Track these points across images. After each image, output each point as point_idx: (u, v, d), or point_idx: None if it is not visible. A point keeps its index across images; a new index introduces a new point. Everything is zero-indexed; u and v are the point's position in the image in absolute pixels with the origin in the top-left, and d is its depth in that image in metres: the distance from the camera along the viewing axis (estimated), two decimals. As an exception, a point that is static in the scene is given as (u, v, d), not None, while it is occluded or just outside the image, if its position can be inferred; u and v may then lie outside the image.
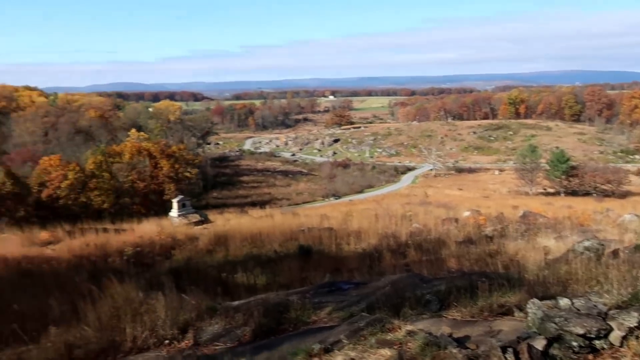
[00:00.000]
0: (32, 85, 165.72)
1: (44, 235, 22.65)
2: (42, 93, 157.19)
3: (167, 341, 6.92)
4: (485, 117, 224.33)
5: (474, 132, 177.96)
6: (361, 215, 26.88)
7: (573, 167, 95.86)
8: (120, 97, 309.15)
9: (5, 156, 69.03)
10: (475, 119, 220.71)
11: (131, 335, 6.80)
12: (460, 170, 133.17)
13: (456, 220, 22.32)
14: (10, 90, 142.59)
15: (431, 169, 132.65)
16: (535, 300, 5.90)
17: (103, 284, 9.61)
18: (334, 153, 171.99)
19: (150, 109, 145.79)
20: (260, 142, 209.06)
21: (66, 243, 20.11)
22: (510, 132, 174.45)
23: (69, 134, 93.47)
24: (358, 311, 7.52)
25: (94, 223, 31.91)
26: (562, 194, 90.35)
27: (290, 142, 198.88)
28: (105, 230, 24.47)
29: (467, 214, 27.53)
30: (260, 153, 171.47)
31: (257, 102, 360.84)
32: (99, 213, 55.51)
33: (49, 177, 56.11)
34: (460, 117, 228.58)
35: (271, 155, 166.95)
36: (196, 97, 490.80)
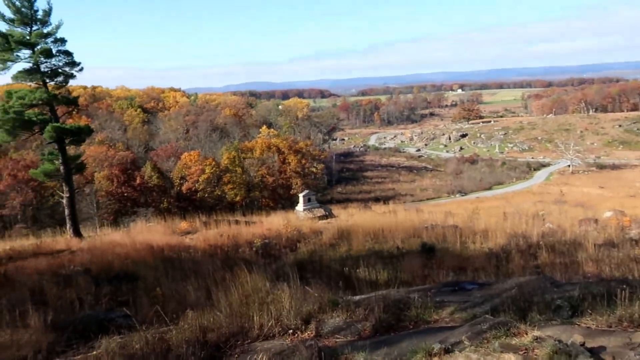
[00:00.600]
0: (176, 87, 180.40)
1: (183, 225, 24.54)
2: (184, 94, 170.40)
3: (290, 331, 7.22)
4: (634, 109, 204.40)
5: (620, 125, 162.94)
6: (488, 214, 25.88)
7: None
8: (253, 96, 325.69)
9: (152, 152, 75.66)
10: (622, 111, 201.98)
11: (258, 323, 7.19)
12: (602, 167, 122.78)
13: (595, 221, 20.67)
14: (158, 92, 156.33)
15: (568, 165, 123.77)
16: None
17: (234, 272, 10.25)
18: (461, 148, 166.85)
19: (280, 107, 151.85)
20: (385, 138, 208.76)
21: (202, 233, 21.64)
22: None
23: (207, 131, 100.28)
24: (482, 313, 7.29)
25: (226, 215, 33.96)
26: None
27: (415, 138, 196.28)
28: (236, 222, 25.94)
29: (608, 214, 25.38)
30: (385, 148, 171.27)
31: (383, 98, 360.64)
32: (231, 205, 59.01)
33: (189, 172, 60.65)
34: (604, 110, 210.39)
35: (396, 150, 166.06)
36: (323, 94, 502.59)
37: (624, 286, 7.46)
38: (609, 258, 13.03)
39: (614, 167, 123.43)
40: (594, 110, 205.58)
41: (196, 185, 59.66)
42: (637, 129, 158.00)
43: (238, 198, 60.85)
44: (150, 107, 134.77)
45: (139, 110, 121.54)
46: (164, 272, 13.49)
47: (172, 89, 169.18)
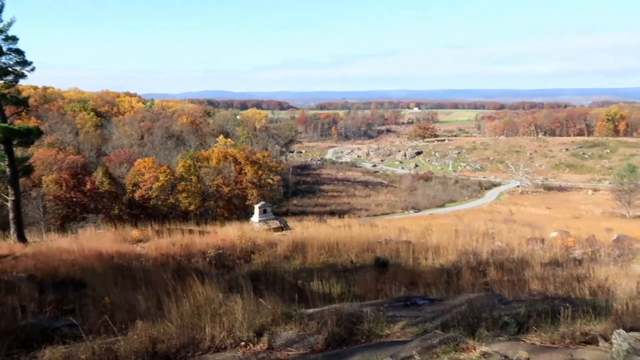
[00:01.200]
0: (132, 91, 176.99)
1: (135, 233, 24.00)
2: (140, 99, 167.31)
3: (243, 343, 7.16)
4: (580, 134, 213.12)
5: (567, 149, 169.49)
6: (441, 230, 26.38)
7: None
8: (211, 105, 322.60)
9: (105, 157, 73.87)
10: (569, 136, 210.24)
11: (210, 335, 7.10)
12: (549, 188, 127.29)
13: (542, 240, 21.37)
14: (113, 96, 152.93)
15: (518, 186, 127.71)
16: (622, 331, 5.57)
17: (186, 282, 10.09)
18: (416, 165, 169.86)
19: (238, 117, 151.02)
20: (342, 152, 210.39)
21: (154, 242, 21.21)
22: (607, 150, 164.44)
23: (162, 138, 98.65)
24: (432, 328, 7.43)
25: (180, 224, 33.42)
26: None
27: (371, 153, 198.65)
28: (190, 231, 25.56)
29: (554, 234, 26.30)
30: (342, 163, 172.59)
31: (341, 113, 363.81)
32: (185, 214, 58.08)
33: (142, 179, 59.41)
34: (552, 133, 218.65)
35: (352, 165, 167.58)
36: (282, 106, 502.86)
37: (567, 304, 7.76)
38: (553, 277, 13.49)
39: (561, 189, 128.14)
40: (543, 133, 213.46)
41: (149, 193, 58.48)
42: (583, 153, 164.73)
43: (192, 207, 59.98)
44: (104, 111, 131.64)
45: (92, 113, 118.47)
46: (113, 280, 13.15)
47: (128, 94, 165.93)
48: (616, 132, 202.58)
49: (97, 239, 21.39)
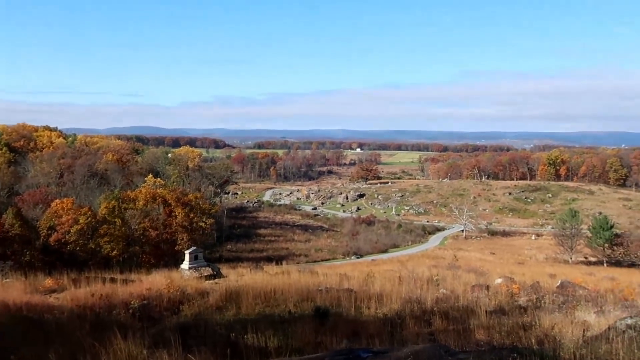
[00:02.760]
0: (52, 125, 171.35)
1: (48, 282, 22.84)
2: (61, 134, 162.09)
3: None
4: (523, 178, 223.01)
5: (510, 193, 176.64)
6: (384, 277, 26.57)
7: (617, 235, 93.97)
8: (140, 141, 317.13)
9: (18, 197, 70.62)
10: (512, 179, 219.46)
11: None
12: (493, 233, 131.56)
13: (487, 287, 21.90)
14: (30, 130, 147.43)
15: (462, 230, 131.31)
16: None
17: (106, 338, 9.63)
18: (358, 209, 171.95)
19: (169, 155, 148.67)
20: (280, 194, 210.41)
21: (70, 292, 20.23)
22: (549, 195, 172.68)
23: (84, 176, 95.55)
24: (375, 383, 7.35)
25: (101, 271, 32.14)
26: (605, 264, 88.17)
27: (312, 195, 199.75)
28: (112, 279, 24.58)
29: (499, 281, 27.04)
30: (280, 205, 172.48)
31: (280, 152, 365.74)
32: (107, 261, 55.90)
33: (59, 221, 57.00)
34: (496, 177, 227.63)
35: (291, 208, 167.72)
36: (217, 144, 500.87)
37: (515, 355, 7.92)
38: (499, 325, 13.77)
39: (505, 233, 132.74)
40: (486, 176, 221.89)
41: (67, 237, 56.06)
42: (525, 198, 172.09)
43: (115, 252, 57.86)
44: (20, 146, 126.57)
45: (4, 148, 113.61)
46: (21, 335, 12.36)
47: (47, 128, 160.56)
48: (557, 176, 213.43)
49: (4, 290, 20.19)
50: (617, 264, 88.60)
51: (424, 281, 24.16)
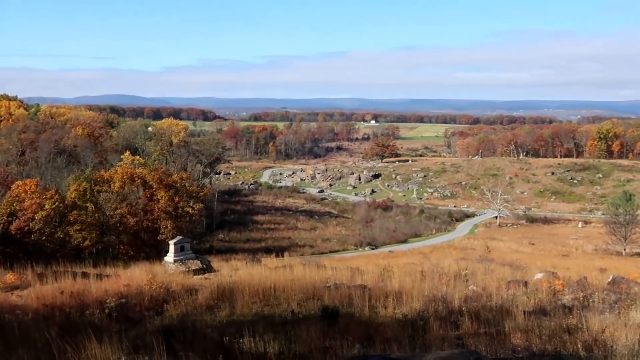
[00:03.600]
0: (11, 94, 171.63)
1: (9, 277, 22.97)
2: (21, 104, 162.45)
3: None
4: (568, 155, 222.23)
5: (552, 173, 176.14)
6: (403, 272, 26.61)
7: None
8: (115, 113, 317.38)
9: (-29, 178, 70.88)
10: (555, 157, 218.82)
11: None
12: (532, 220, 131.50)
13: (525, 283, 21.89)
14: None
15: (495, 217, 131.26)
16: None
17: (78, 342, 9.70)
18: (373, 191, 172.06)
19: (150, 128, 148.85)
20: (281, 174, 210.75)
21: (36, 289, 20.36)
22: (600, 175, 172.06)
23: (49, 154, 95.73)
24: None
25: (71, 265, 32.32)
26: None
27: (318, 176, 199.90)
28: (84, 274, 24.71)
29: (539, 276, 27.00)
30: (281, 187, 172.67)
31: (281, 125, 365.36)
32: (78, 252, 56.21)
33: (22, 206, 57.24)
34: (536, 154, 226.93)
35: (294, 190, 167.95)
36: (206, 115, 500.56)
37: (558, 362, 7.91)
38: (539, 328, 13.77)
39: (546, 220, 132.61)
40: (524, 153, 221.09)
41: (31, 225, 56.36)
42: (571, 178, 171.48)
43: (87, 242, 58.19)
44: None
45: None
46: (-23, 340, 12.47)
47: (5, 97, 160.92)
48: (609, 154, 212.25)
49: (-42, 286, 20.37)
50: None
51: (450, 276, 24.18)
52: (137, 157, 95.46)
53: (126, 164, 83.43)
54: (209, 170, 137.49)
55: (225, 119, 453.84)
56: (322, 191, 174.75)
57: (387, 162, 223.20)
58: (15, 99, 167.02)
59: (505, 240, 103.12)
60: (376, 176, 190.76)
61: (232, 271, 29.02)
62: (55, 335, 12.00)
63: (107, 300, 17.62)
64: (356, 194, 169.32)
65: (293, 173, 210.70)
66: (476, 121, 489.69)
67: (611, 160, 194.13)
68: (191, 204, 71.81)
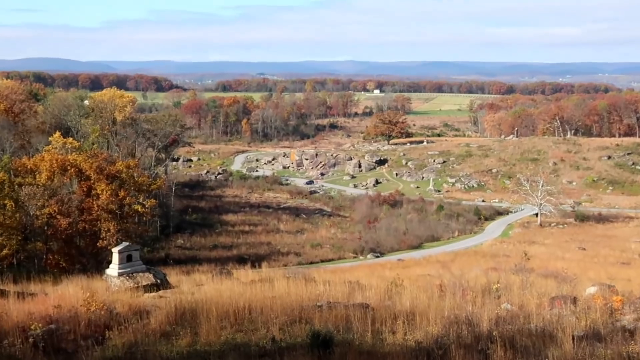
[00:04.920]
0: None
1: None
2: None
3: None
4: (629, 134, 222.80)
5: (609, 157, 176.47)
6: (416, 286, 26.67)
7: None
8: (41, 82, 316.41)
9: None
10: (612, 136, 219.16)
11: None
12: (583, 218, 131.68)
13: (574, 300, 21.97)
14: None
15: (535, 214, 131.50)
16: None
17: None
18: (377, 182, 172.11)
19: (87, 102, 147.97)
20: (258, 160, 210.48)
21: (-62, 311, 20.31)
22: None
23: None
24: None
25: (-16, 281, 32.18)
26: None
27: (306, 162, 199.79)
28: (2, 293, 24.59)
29: (592, 290, 27.11)
30: (258, 178, 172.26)
31: (257, 96, 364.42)
32: (-7, 264, 56.02)
33: None
34: (587, 132, 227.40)
35: (275, 181, 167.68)
36: (160, 84, 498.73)
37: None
38: (592, 357, 13.80)
39: (601, 218, 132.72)
40: (573, 132, 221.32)
41: None
42: (633, 164, 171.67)
43: (6, 251, 57.99)
44: None
45: None
46: None
47: None
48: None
49: None
50: None
51: (477, 292, 24.23)
52: (70, 139, 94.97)
53: (56, 148, 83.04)
54: (163, 155, 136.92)
55: (185, 89, 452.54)
56: (311, 182, 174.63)
57: (396, 144, 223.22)
58: None
59: (548, 245, 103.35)
60: (381, 162, 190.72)
61: (195, 287, 29.00)
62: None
63: (32, 327, 17.56)
64: (355, 186, 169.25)
65: (273, 159, 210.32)
66: (510, 90, 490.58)
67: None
68: (141, 200, 71.71)
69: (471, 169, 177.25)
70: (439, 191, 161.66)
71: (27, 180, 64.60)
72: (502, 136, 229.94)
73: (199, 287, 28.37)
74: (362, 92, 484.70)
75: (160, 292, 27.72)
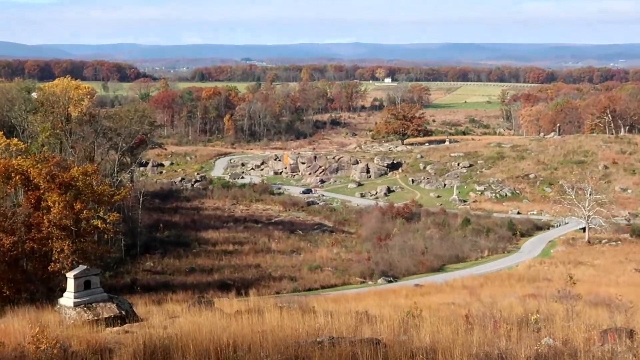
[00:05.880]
0: None
1: None
2: None
3: None
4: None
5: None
6: (438, 317, 26.65)
7: None
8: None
9: None
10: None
11: None
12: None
13: (630, 333, 21.98)
14: None
15: (583, 229, 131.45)
16: None
17: None
18: (389, 191, 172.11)
19: (35, 94, 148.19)
20: (244, 165, 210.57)
21: None
22: None
23: None
24: None
25: None
26: None
27: (303, 167, 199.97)
28: None
29: (653, 322, 27.13)
30: (244, 186, 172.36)
31: (243, 87, 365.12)
32: None
33: None
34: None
35: (264, 190, 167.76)
36: (124, 72, 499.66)
37: None
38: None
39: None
40: (627, 128, 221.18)
41: None
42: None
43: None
44: None
45: None
46: None
47: None
48: None
49: None
50: None
51: (512, 324, 24.25)
52: (15, 140, 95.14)
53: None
54: (129, 160, 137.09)
55: (155, 79, 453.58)
56: (308, 191, 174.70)
57: (412, 145, 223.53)
58: None
59: (597, 266, 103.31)
60: (394, 166, 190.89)
61: (168, 320, 29.01)
62: None
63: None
64: (362, 196, 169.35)
65: (262, 163, 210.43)
66: (551, 78, 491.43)
67: None
68: (101, 214, 71.72)
69: (503, 174, 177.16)
70: (464, 201, 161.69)
71: (-38, 190, 64.71)
72: (541, 134, 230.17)
73: (173, 320, 28.38)
74: (371, 81, 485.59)
75: (126, 326, 27.71)
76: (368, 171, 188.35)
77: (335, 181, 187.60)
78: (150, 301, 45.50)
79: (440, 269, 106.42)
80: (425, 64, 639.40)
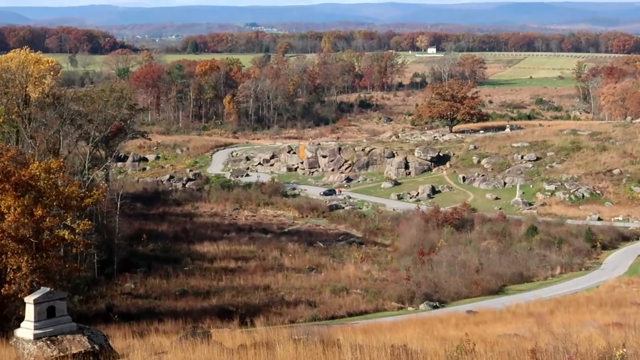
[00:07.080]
0: None
1: None
2: None
3: None
4: None
5: None
6: (497, 353, 26.71)
7: None
8: None
9: None
10: None
11: None
12: None
13: None
14: None
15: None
16: None
17: None
18: (434, 191, 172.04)
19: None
20: (248, 159, 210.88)
21: None
22: None
23: None
24: None
25: None
26: None
27: (324, 161, 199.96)
28: None
29: None
30: (249, 186, 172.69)
31: (246, 59, 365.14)
32: None
33: None
34: None
35: (275, 191, 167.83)
36: (96, 41, 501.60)
37: None
38: None
39: None
40: None
41: None
42: None
43: None
44: None
45: None
46: None
47: None
48: None
49: None
50: None
51: (592, 358, 24.27)
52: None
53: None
54: (103, 153, 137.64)
55: (136, 50, 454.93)
56: (331, 192, 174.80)
57: (463, 132, 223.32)
58: None
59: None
60: (440, 160, 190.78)
61: (153, 356, 29.14)
62: None
63: None
64: (400, 197, 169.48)
65: (273, 157, 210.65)
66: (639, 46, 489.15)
67: None
68: (68, 222, 72.06)
69: (580, 170, 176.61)
70: (530, 204, 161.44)
71: None
72: (629, 118, 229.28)
73: (159, 357, 28.49)
74: (410, 52, 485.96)
75: (98, 365, 27.81)
76: (407, 166, 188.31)
77: (365, 179, 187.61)
78: (131, 333, 45.74)
79: (499, 291, 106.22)
80: (479, 29, 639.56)
